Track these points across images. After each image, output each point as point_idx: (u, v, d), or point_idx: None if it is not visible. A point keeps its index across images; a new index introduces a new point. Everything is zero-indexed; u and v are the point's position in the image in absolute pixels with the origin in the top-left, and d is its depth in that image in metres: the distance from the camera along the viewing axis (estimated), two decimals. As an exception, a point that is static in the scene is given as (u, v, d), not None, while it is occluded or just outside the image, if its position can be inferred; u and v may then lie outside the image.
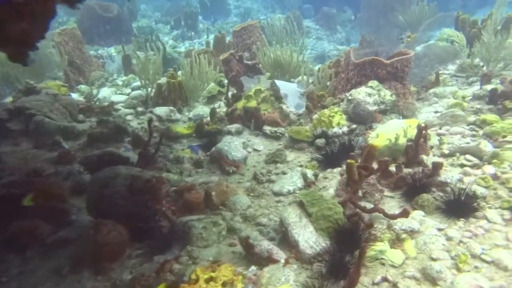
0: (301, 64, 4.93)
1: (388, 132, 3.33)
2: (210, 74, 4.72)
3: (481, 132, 3.48)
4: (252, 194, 3.12)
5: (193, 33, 10.39)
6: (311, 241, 2.24)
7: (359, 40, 6.00)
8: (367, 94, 3.97)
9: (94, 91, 5.36)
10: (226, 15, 13.60)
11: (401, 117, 4.08)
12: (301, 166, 3.34)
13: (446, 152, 3.22)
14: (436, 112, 4.14)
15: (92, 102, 4.97)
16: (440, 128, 3.73)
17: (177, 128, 4.13)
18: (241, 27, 5.67)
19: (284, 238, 2.39)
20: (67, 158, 3.39)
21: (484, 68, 4.93)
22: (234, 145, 3.59)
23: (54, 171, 3.21)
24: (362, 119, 3.90)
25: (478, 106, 3.85)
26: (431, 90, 4.56)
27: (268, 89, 4.01)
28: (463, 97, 4.25)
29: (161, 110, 4.65)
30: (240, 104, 3.98)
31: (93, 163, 3.21)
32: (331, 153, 3.31)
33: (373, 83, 4.10)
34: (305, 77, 4.73)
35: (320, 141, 3.52)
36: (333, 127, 3.90)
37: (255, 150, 3.67)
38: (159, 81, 5.05)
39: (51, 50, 5.72)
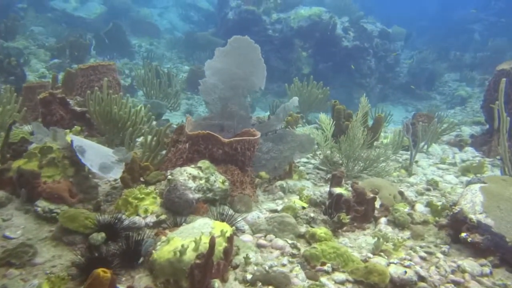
0: (142, 122, 4.06)
1: (186, 238, 2.51)
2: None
3: (302, 251, 2.81)
4: None
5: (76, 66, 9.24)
6: None
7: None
8: (191, 177, 3.18)
9: None
10: (129, 56, 12.67)
11: (230, 211, 3.32)
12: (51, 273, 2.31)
13: (249, 277, 2.45)
14: (274, 211, 3.47)
15: None
16: (265, 236, 3.02)
17: None
18: (90, 66, 4.75)
19: None
20: None
21: (343, 167, 4.49)
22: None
23: None
24: (177, 208, 3.06)
25: (312, 215, 3.23)
26: (279, 183, 3.93)
27: (64, 149, 3.04)
28: (307, 198, 3.65)
29: None
30: (16, 164, 2.94)
31: None
32: (98, 259, 2.36)
33: (204, 163, 3.34)
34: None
35: (97, 237, 2.55)
36: (138, 215, 3.00)
37: (4, 237, 2.58)
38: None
39: None
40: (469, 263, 2.81)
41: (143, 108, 4.14)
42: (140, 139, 4.30)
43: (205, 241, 2.39)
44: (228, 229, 2.61)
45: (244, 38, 3.81)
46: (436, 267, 2.77)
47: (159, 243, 2.48)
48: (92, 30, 12.90)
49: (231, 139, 3.41)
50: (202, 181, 3.22)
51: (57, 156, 2.98)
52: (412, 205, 3.76)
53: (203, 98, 3.69)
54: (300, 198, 3.71)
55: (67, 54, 9.32)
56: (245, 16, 13.03)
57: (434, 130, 5.68)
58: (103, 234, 2.55)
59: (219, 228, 2.62)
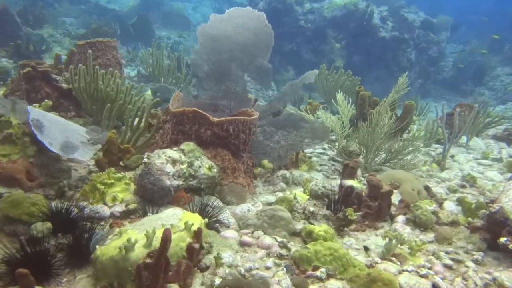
0: (132, 102, 3.65)
1: (145, 231, 2.05)
2: None
3: (293, 251, 2.27)
4: None
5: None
6: None
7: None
8: (170, 161, 2.72)
9: None
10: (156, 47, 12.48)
11: (217, 202, 2.84)
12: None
13: (218, 281, 1.96)
14: (270, 204, 2.96)
15: None
16: (252, 233, 2.52)
17: None
18: (87, 42, 4.42)
19: None
20: None
21: (361, 157, 3.89)
22: None
23: None
24: (151, 196, 2.62)
25: (312, 209, 2.68)
26: (281, 172, 3.39)
27: (25, 124, 2.67)
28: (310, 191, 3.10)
29: None
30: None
31: None
32: (37, 254, 1.95)
33: (188, 145, 2.88)
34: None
35: (40, 227, 2.13)
36: (106, 203, 2.59)
37: None
38: None
39: None
40: (510, 276, 2.17)
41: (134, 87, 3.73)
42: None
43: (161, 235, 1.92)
44: (196, 221, 2.13)
45: (246, 8, 3.32)
46: (464, 278, 2.16)
47: (110, 236, 2.04)
48: (123, 22, 12.84)
49: (222, 119, 2.93)
50: (184, 166, 2.76)
51: (15, 132, 2.62)
52: (440, 202, 3.13)
53: (193, 71, 3.23)
54: (304, 191, 3.17)
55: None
56: (276, 6, 12.47)
57: (474, 120, 4.93)
58: (48, 225, 2.14)
59: (190, 219, 2.15)
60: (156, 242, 1.88)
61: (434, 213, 2.82)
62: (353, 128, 3.96)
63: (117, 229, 2.06)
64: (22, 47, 6.94)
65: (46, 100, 3.36)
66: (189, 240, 2.01)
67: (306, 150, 4.33)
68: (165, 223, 2.08)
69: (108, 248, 1.90)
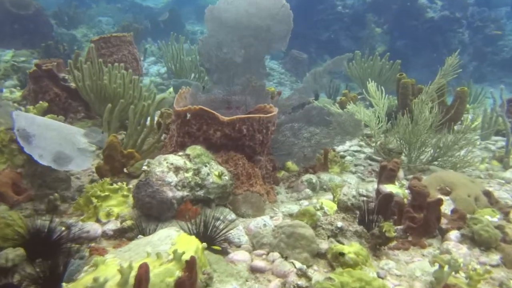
0: (143, 99, 3.32)
1: (129, 260, 1.68)
2: None
3: (314, 282, 1.82)
4: None
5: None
6: None
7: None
8: (173, 168, 2.34)
9: None
10: (190, 43, 12.27)
11: (230, 215, 2.44)
12: None
13: (209, 326, 1.55)
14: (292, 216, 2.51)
15: None
16: (267, 254, 2.09)
17: None
18: (101, 37, 4.16)
19: None
20: None
21: (403, 156, 3.33)
22: None
23: None
24: (150, 211, 2.26)
25: (340, 224, 2.20)
26: (306, 177, 2.92)
27: (9, 129, 2.39)
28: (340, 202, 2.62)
29: None
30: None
31: None
32: None
33: (194, 150, 2.48)
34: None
35: (9, 255, 1.79)
36: (99, 219, 2.26)
37: None
38: None
39: None
40: None
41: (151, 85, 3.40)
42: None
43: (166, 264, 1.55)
44: (191, 247, 1.73)
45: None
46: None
47: (86, 268, 1.68)
48: (155, 19, 12.72)
49: (233, 118, 2.51)
50: (189, 174, 2.37)
51: (1, 138, 2.34)
52: (505, 212, 2.53)
53: (202, 62, 2.83)
54: (334, 199, 2.69)
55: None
56: (310, -6, 11.85)
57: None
58: (19, 252, 1.82)
59: (184, 244, 1.76)
60: (134, 280, 1.50)
61: (499, 227, 2.25)
62: (392, 121, 3.40)
63: (95, 259, 1.70)
64: (52, 47, 6.88)
65: (41, 102, 3.10)
66: (178, 273, 1.61)
67: (339, 148, 3.82)
68: (154, 249, 1.70)
69: (76, 287, 1.54)
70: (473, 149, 3.92)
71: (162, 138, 2.98)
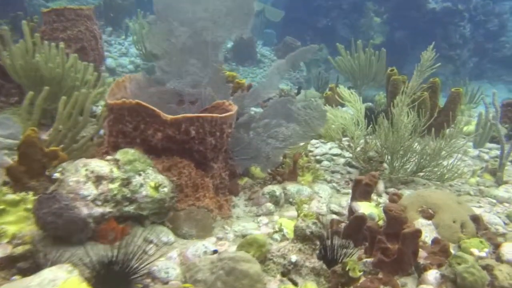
0: (85, 82, 2.86)
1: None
2: None
3: None
4: None
5: (110, 28, 8.38)
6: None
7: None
8: (93, 178, 1.90)
9: None
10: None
11: (168, 237, 2.02)
12: None
13: None
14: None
15: None
16: (198, 291, 1.67)
17: None
18: (52, 9, 3.66)
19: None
20: None
21: (385, 165, 2.91)
22: None
23: None
24: (57, 232, 1.82)
25: (295, 258, 1.78)
26: (267, 189, 2.48)
27: None
28: (311, 217, 2.21)
29: None
30: None
31: None
32: None
33: (125, 154, 2.04)
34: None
35: None
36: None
37: None
38: None
39: None
40: None
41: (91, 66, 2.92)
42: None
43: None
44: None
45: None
46: None
47: None
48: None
49: (178, 116, 2.07)
50: (115, 185, 1.94)
51: None
52: (496, 244, 2.13)
53: (150, 48, 2.37)
54: (298, 217, 2.28)
55: (101, 16, 8.48)
56: (310, -22, 11.27)
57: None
58: None
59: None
60: None
61: (487, 267, 1.84)
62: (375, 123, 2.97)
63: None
64: (21, 18, 6.30)
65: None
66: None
67: (317, 151, 3.40)
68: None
69: None
70: (465, 157, 3.52)
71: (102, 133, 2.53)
